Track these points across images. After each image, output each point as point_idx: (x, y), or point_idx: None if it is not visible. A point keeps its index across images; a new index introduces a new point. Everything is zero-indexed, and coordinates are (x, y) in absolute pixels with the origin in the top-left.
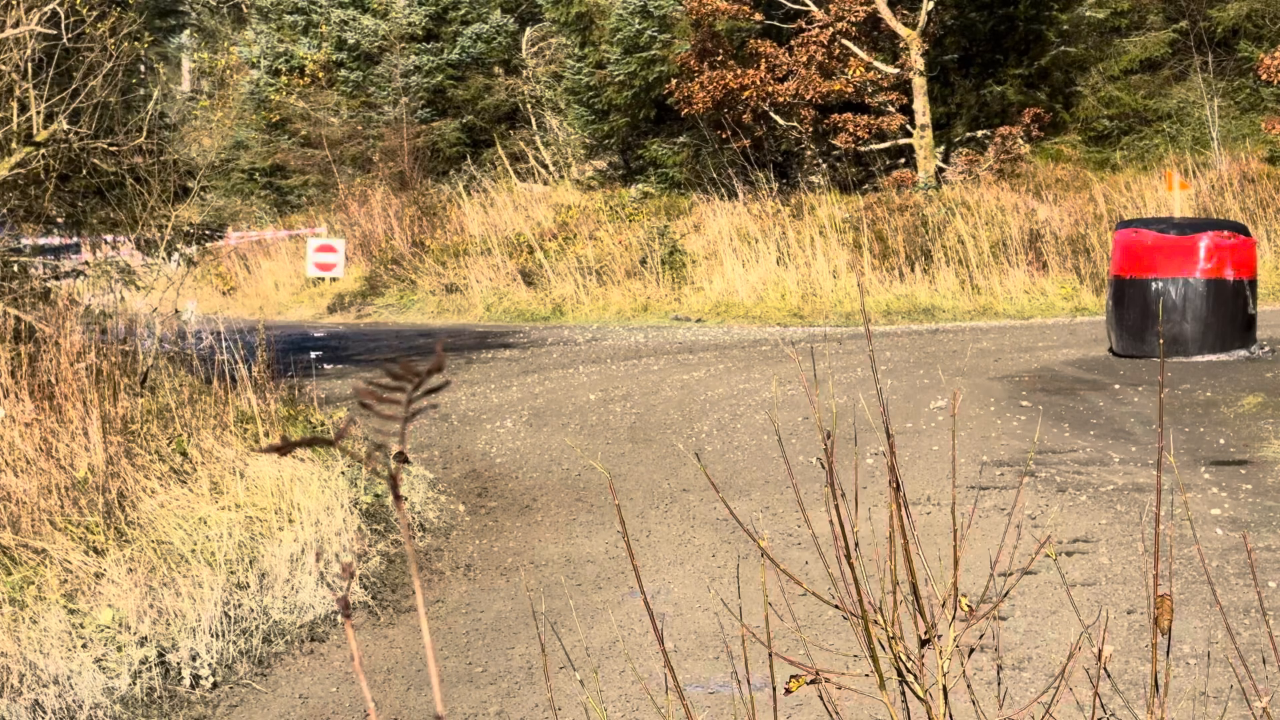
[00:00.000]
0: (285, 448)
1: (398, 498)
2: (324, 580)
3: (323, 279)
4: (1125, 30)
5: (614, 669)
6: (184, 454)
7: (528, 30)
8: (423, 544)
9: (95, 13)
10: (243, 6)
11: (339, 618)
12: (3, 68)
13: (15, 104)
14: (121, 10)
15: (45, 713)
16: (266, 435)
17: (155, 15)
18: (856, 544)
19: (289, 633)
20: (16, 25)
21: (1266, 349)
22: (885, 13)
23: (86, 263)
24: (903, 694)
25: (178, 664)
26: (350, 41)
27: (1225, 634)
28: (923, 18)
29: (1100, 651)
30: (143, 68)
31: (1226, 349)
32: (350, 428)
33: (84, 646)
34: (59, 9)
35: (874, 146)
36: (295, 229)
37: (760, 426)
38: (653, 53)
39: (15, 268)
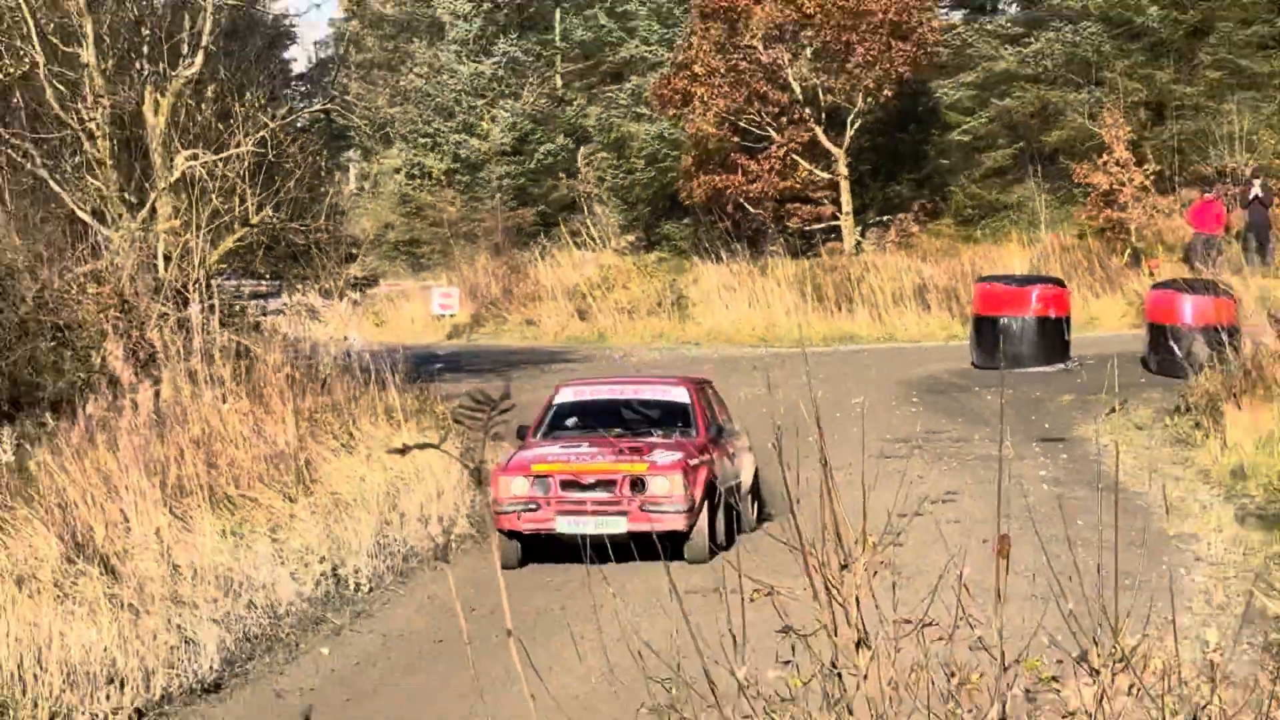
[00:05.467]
0: (404, 450)
1: (480, 486)
2: (440, 521)
3: (443, 315)
4: (982, 148)
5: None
6: (350, 434)
7: (582, 149)
8: None
9: (290, 136)
10: (390, 132)
11: (448, 548)
12: (229, 174)
13: (237, 198)
14: (307, 134)
15: (257, 608)
16: (405, 421)
17: (331, 138)
18: (798, 500)
19: (420, 554)
20: (238, 146)
21: (1075, 363)
22: (821, 138)
23: (285, 305)
24: (829, 602)
25: (346, 575)
26: (463, 155)
27: (1045, 559)
28: (846, 140)
29: (961, 572)
30: (322, 173)
31: (1050, 363)
32: (453, 433)
33: (282, 564)
34: (266, 135)
35: (814, 226)
36: (425, 282)
37: (734, 418)
38: (667, 164)
39: (236, 308)
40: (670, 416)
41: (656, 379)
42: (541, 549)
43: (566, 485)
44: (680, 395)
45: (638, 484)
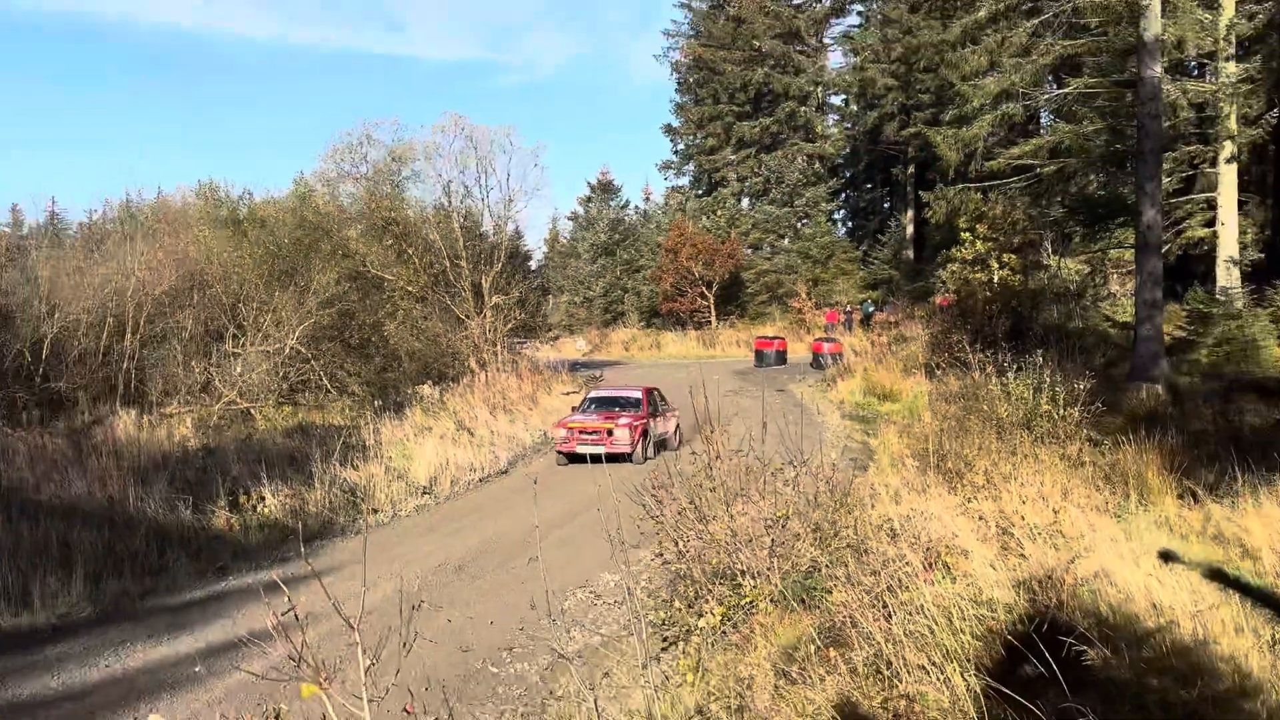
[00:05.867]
0: (568, 393)
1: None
2: None
3: (581, 349)
4: (756, 295)
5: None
6: (550, 388)
7: (626, 294)
8: None
9: (530, 290)
10: (562, 288)
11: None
12: (510, 303)
13: (512, 310)
14: (536, 289)
15: (519, 445)
16: (568, 383)
17: (544, 290)
18: (694, 409)
19: None
20: (511, 293)
21: (789, 364)
22: (705, 291)
23: (528, 345)
24: (708, 443)
25: (548, 435)
26: (588, 298)
27: (779, 429)
28: (714, 291)
29: (750, 433)
30: (540, 302)
31: (781, 365)
32: (586, 386)
33: (526, 431)
34: (522, 290)
35: (703, 320)
36: (575, 337)
37: (675, 383)
38: (655, 299)
39: (513, 346)
40: (634, 402)
41: (630, 386)
42: (575, 459)
43: (581, 431)
44: (638, 394)
45: (610, 432)
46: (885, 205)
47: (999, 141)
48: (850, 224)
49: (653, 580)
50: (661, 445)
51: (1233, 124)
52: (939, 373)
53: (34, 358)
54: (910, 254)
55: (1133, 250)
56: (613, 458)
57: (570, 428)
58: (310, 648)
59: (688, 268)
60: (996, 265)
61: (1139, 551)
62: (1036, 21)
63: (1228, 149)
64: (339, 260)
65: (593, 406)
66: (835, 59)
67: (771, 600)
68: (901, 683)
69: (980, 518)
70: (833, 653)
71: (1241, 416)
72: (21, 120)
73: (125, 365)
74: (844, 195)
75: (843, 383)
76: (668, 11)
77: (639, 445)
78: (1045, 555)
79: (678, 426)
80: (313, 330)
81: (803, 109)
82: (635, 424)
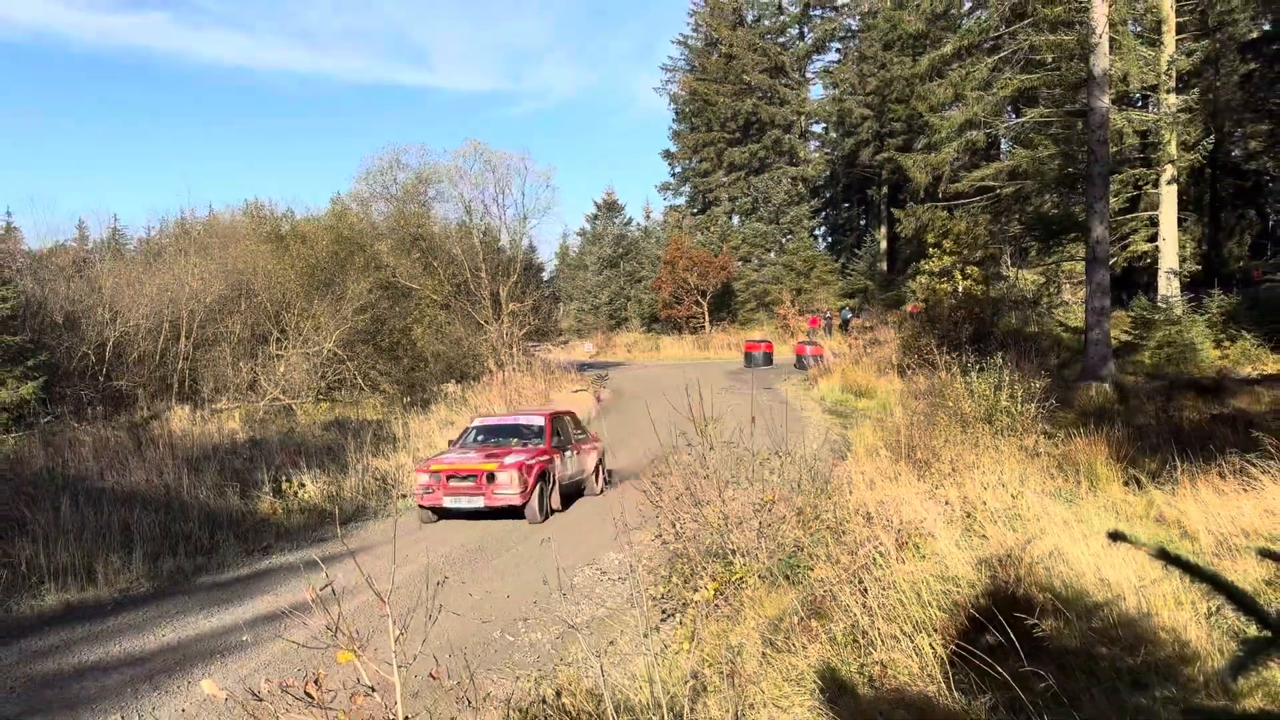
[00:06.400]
0: (576, 391)
1: (599, 400)
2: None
3: (589, 351)
4: (744, 303)
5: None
6: (560, 385)
7: (629, 303)
8: (608, 401)
9: (543, 298)
10: (571, 297)
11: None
12: (524, 309)
13: (527, 317)
14: (548, 297)
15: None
16: (577, 381)
17: (554, 299)
18: (689, 405)
19: (587, 417)
20: (526, 301)
21: (775, 365)
22: (700, 300)
23: (540, 347)
24: (701, 434)
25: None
26: (596, 306)
27: (766, 423)
28: (708, 299)
29: (740, 427)
30: (551, 310)
31: (768, 366)
32: (593, 384)
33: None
34: (536, 298)
35: (697, 325)
36: (583, 341)
37: (672, 382)
38: (655, 306)
39: (527, 348)
40: (535, 433)
41: (531, 411)
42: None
43: (450, 477)
44: (539, 421)
45: (491, 477)
46: (861, 222)
47: (963, 165)
48: (830, 239)
49: (652, 559)
50: (577, 490)
51: (1173, 150)
52: (909, 372)
53: (98, 359)
54: (884, 266)
55: (1083, 262)
56: (503, 512)
57: (435, 471)
58: (345, 619)
59: (684, 278)
60: (961, 276)
61: (1088, 533)
62: (997, 58)
63: (1168, 172)
64: (372, 271)
65: (478, 439)
66: (816, 91)
67: (759, 576)
68: (876, 650)
69: (946, 502)
70: (814, 623)
71: (1180, 412)
72: (88, 143)
73: (180, 366)
74: (824, 213)
75: (823, 381)
76: (666, 48)
77: (534, 494)
78: (1004, 536)
79: (599, 463)
80: (348, 334)
81: (787, 136)
82: (530, 463)
